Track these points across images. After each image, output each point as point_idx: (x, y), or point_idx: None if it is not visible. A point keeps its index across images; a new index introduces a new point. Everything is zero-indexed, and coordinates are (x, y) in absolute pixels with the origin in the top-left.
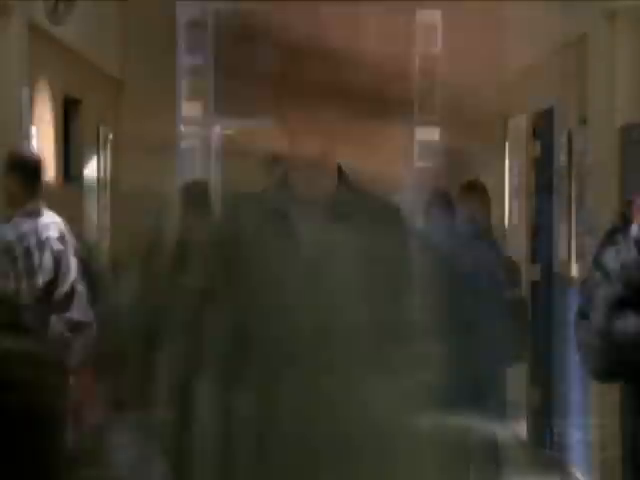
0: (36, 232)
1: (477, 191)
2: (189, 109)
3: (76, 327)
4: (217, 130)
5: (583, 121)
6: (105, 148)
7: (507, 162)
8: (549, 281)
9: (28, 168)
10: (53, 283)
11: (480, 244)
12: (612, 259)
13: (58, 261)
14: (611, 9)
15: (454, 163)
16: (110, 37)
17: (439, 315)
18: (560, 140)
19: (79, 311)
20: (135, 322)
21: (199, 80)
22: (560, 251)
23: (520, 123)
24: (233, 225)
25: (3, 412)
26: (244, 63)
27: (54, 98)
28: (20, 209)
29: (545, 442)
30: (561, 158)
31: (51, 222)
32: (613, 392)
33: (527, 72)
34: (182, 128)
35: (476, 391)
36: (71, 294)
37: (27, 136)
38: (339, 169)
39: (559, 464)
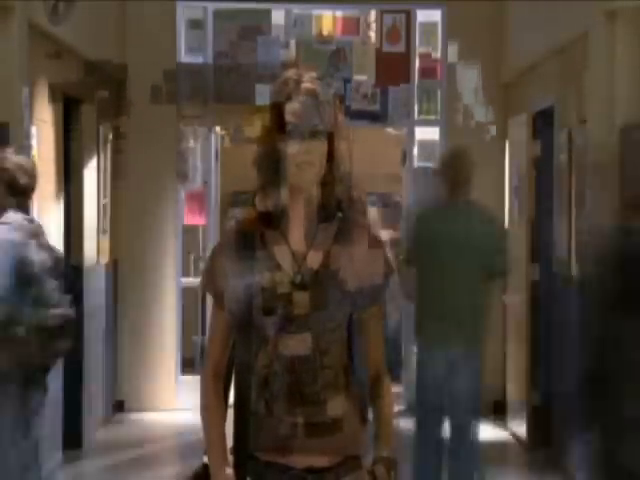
0: None
1: None
2: (189, 109)
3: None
4: (217, 130)
5: (583, 121)
6: (105, 148)
7: (507, 162)
8: (549, 281)
9: None
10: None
11: None
12: None
13: None
14: (611, 9)
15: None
16: (110, 37)
17: None
18: (560, 140)
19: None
20: None
21: (199, 80)
22: (560, 251)
23: (520, 123)
24: None
25: None
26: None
27: (54, 98)
28: None
29: (545, 442)
30: (561, 158)
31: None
32: None
33: (527, 72)
34: (182, 128)
35: None
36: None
37: (27, 136)
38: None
39: (559, 464)
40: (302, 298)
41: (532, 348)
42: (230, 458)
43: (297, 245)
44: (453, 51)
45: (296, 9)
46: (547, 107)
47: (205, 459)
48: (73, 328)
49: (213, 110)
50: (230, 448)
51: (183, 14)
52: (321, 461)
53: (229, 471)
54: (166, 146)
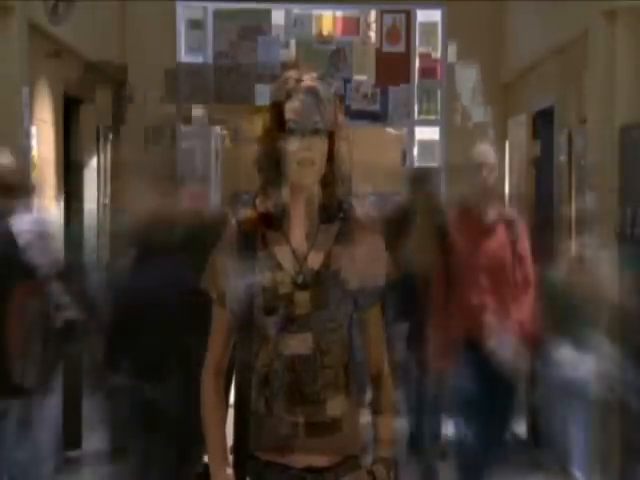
0: None
1: None
2: (189, 109)
3: None
4: (217, 130)
5: (583, 121)
6: (105, 148)
7: (507, 162)
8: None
9: None
10: None
11: None
12: None
13: None
14: (611, 9)
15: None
16: (110, 37)
17: None
18: (560, 140)
19: None
20: None
21: (199, 80)
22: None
23: (520, 123)
24: None
25: None
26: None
27: (54, 98)
28: None
29: (545, 442)
30: (561, 158)
31: None
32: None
33: (527, 72)
34: (182, 128)
35: None
36: None
37: (27, 136)
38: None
39: (559, 464)
40: (303, 298)
41: None
42: (230, 458)
43: (298, 245)
44: (453, 51)
45: (296, 9)
46: (547, 107)
47: (205, 459)
48: (79, 330)
49: (213, 110)
50: (230, 447)
51: (183, 14)
52: (321, 461)
53: (229, 471)
54: (166, 146)
